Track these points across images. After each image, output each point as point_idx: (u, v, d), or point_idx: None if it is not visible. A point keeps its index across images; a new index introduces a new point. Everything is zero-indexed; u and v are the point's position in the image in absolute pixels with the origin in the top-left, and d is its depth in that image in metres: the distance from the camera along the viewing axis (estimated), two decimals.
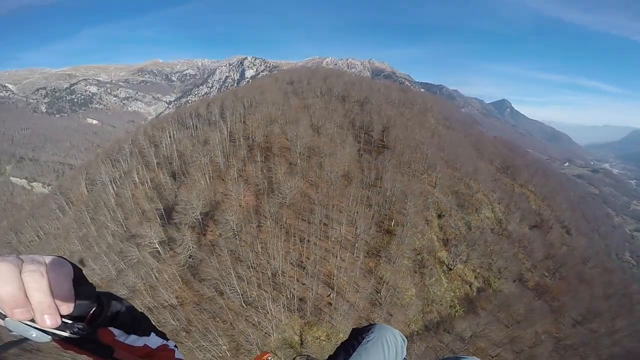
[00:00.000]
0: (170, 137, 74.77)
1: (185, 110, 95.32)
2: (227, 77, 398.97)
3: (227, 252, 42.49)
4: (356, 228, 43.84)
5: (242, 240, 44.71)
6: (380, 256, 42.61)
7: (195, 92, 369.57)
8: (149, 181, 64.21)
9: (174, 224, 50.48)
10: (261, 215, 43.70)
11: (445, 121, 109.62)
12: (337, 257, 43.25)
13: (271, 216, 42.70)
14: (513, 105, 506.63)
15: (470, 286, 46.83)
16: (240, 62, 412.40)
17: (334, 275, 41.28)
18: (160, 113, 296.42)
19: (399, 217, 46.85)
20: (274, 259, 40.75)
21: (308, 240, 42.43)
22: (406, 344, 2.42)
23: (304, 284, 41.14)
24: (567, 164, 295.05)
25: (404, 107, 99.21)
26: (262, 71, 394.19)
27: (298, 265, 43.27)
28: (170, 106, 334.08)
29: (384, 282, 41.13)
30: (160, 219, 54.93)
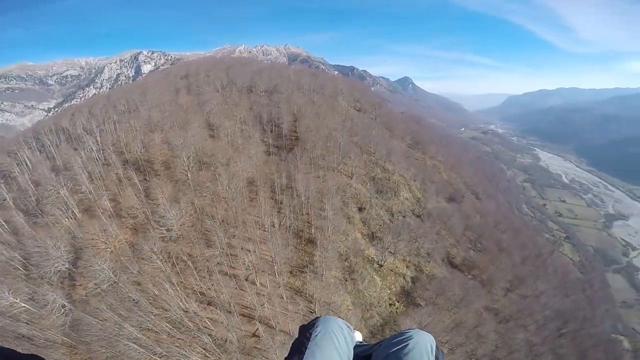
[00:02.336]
0: (25, 162, 56.53)
1: (45, 124, 74.27)
2: (119, 74, 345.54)
3: (108, 306, 32.14)
4: (273, 245, 37.13)
5: (127, 289, 34.44)
6: (306, 272, 36.98)
7: (81, 95, 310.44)
8: (4, 224, 47.29)
9: (34, 279, 37.40)
10: (144, 257, 33.61)
11: (356, 103, 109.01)
12: (255, 284, 36.31)
13: (156, 254, 33.10)
14: (414, 81, 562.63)
15: (404, 277, 44.87)
16: (134, 57, 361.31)
17: (254, 307, 34.42)
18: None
19: (318, 221, 41.67)
20: (173, 303, 31.93)
21: (212, 272, 34.32)
22: (353, 331, 2.41)
23: (221, 323, 33.52)
24: (462, 129, 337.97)
25: (315, 92, 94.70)
26: (162, 65, 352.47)
27: (208, 304, 35.14)
28: (51, 114, 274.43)
29: (315, 300, 35.88)
30: (25, 270, 40.44)
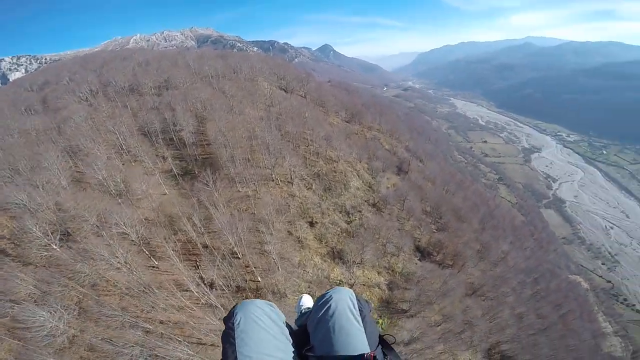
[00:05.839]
0: None
1: None
2: None
3: None
4: (211, 312, 25.80)
5: None
6: None
7: None
8: None
9: None
10: None
11: (281, 81, 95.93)
12: None
13: None
14: (334, 48, 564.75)
15: (379, 287, 37.82)
16: None
17: None
18: None
19: (261, 260, 31.13)
20: None
21: None
22: (275, 307, 2.22)
23: None
24: (385, 88, 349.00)
25: (225, 79, 79.23)
26: (34, 70, 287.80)
27: None
28: None
29: None
30: None
